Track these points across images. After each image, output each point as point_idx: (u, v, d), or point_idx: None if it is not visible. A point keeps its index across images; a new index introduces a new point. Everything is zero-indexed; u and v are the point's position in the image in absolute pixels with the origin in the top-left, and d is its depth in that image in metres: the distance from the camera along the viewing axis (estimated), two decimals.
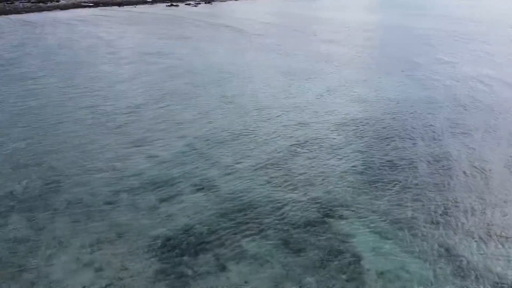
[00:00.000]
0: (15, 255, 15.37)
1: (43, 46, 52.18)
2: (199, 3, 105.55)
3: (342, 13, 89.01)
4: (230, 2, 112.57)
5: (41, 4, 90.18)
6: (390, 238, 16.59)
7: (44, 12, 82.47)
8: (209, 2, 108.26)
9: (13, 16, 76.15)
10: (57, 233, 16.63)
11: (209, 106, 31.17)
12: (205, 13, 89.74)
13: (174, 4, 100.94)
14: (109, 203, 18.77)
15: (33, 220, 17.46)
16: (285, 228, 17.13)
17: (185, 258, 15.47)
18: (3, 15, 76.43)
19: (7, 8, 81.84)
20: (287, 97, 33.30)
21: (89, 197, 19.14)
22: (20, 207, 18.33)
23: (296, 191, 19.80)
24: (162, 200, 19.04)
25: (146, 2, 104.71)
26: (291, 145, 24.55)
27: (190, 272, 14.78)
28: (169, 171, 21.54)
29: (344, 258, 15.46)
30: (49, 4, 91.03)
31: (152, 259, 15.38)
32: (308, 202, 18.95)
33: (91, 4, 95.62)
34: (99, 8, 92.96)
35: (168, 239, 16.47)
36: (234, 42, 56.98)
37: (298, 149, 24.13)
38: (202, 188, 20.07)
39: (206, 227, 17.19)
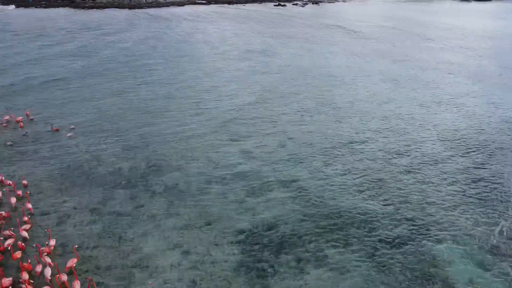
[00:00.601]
0: (116, 227, 16.95)
1: (162, 39, 56.59)
2: (307, 3, 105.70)
3: (461, 19, 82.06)
4: (338, 3, 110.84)
5: (160, 0, 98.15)
6: (489, 269, 14.92)
7: (163, 7, 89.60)
8: (316, 3, 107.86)
9: (138, 10, 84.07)
10: (153, 212, 17.97)
11: (308, 108, 31.02)
12: (312, 13, 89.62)
13: (282, 4, 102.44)
14: (201, 191, 19.73)
15: (135, 197, 19.08)
16: (372, 241, 16.36)
17: (266, 254, 15.63)
18: (129, 9, 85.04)
19: (132, 3, 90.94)
20: (390, 106, 31.74)
21: (184, 183, 20.32)
22: (125, 184, 20.16)
23: (389, 205, 18.79)
24: (251, 195, 19.46)
25: (255, 1, 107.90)
26: (389, 157, 23.36)
27: (269, 269, 14.90)
28: (261, 168, 21.93)
29: (434, 284, 14.29)
30: (167, 0, 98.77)
31: (235, 250, 15.81)
32: (401, 218, 17.87)
33: (204, 1, 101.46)
34: (211, 5, 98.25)
35: (252, 233, 16.79)
36: (343, 44, 55.94)
37: (396, 161, 22.87)
38: (291, 189, 20.07)
39: (290, 228, 17.16)
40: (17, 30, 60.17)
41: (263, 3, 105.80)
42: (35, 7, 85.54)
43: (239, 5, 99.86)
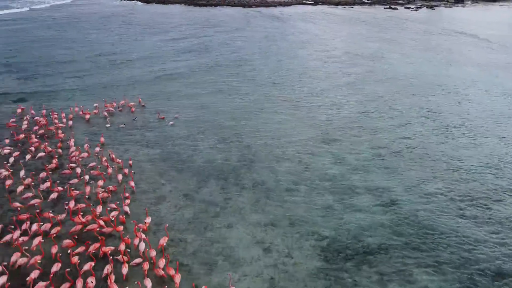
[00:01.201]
0: (205, 215, 17.76)
1: (271, 38, 57.88)
2: (420, 7, 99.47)
3: None
4: (456, 8, 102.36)
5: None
6: None
7: (271, 7, 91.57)
8: (431, 7, 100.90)
9: (249, 9, 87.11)
10: (240, 206, 18.46)
11: (408, 118, 29.27)
12: (427, 18, 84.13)
13: (393, 7, 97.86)
14: (289, 191, 19.74)
15: (225, 189, 19.79)
16: (469, 271, 14.83)
17: (348, 264, 15.09)
18: (242, 7, 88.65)
19: (242, 1, 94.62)
20: (506, 124, 28.49)
21: (273, 182, 20.52)
22: (217, 175, 21.02)
23: (494, 234, 16.89)
24: (339, 202, 18.96)
25: (364, 3, 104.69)
26: (502, 183, 20.98)
27: (349, 280, 14.37)
28: (352, 176, 21.25)
29: None
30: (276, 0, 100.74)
31: (316, 255, 15.54)
32: (508, 251, 15.93)
33: (311, 2, 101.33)
34: (319, 5, 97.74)
35: (336, 240, 16.35)
36: (461, 52, 51.67)
37: (510, 186, 20.47)
38: (382, 201, 19.12)
39: (377, 241, 16.35)
40: (141, 23, 66.07)
41: (373, 6, 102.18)
42: (156, 3, 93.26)
43: (347, 7, 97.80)
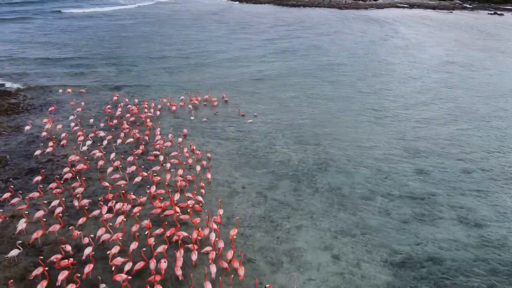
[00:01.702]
0: (276, 214, 17.78)
1: (359, 41, 56.50)
2: None
3: None
4: None
5: (360, 1, 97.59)
6: None
7: (361, 9, 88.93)
8: None
9: (340, 11, 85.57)
10: (312, 209, 18.19)
11: (508, 137, 26.56)
12: None
13: (499, 12, 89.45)
14: (364, 200, 19.01)
15: (298, 190, 19.65)
16: None
17: (421, 286, 14.13)
18: (330, 8, 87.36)
19: (331, 3, 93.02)
20: None
21: (348, 188, 19.93)
22: (292, 175, 20.93)
23: None
24: (417, 218, 17.84)
25: (465, 8, 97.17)
26: None
27: None
28: (435, 192, 19.87)
29: None
30: (367, 2, 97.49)
31: (387, 270, 14.78)
32: None
33: (405, 5, 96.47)
34: (414, 9, 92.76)
35: (410, 258, 15.40)
36: None
37: None
38: (466, 222, 17.60)
39: (456, 264, 15.10)
40: (231, 22, 68.13)
41: (475, 11, 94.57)
42: (246, 2, 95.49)
43: (445, 11, 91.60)
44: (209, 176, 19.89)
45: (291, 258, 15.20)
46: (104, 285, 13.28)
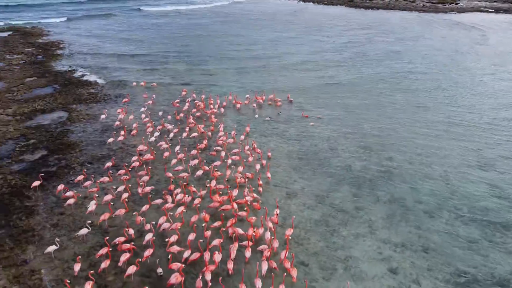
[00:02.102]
0: (333, 219, 17.37)
1: (434, 45, 53.62)
2: None
3: None
4: None
5: (439, 5, 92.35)
6: None
7: (440, 13, 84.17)
8: None
9: (411, 13, 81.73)
10: (371, 218, 17.55)
11: None
12: None
13: None
14: (429, 214, 17.98)
15: (358, 197, 19.06)
16: None
17: None
18: (402, 10, 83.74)
19: (407, 6, 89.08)
20: None
21: (412, 200, 18.96)
22: (352, 181, 20.35)
23: None
24: (487, 238, 16.52)
25: None
26: None
27: None
28: (510, 211, 18.29)
29: None
30: (447, 5, 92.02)
31: None
32: None
33: (490, 10, 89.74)
34: (499, 14, 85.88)
35: (476, 281, 14.30)
36: None
37: None
38: None
39: None
40: (302, 24, 67.90)
41: None
42: (318, 3, 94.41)
43: None
44: (268, 175, 19.94)
45: (345, 266, 14.79)
46: (161, 270, 13.85)
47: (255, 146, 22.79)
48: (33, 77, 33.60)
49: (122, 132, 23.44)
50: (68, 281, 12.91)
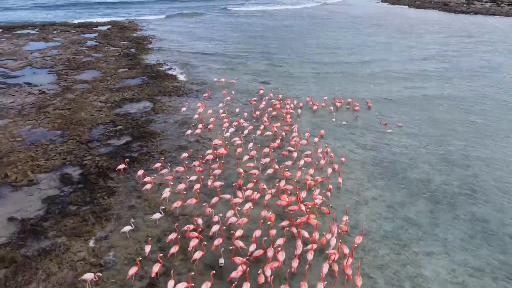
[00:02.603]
0: (405, 234, 16.45)
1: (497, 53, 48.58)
2: None
3: None
4: None
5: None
6: None
7: (501, 16, 75.76)
8: None
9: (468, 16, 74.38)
10: (448, 237, 16.30)
11: None
12: None
13: None
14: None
15: (434, 213, 17.82)
16: None
17: None
18: (506, 17, 76.38)
19: (508, 10, 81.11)
20: None
21: (496, 222, 17.29)
22: (429, 196, 19.06)
23: None
24: None
25: None
26: None
27: None
28: None
29: None
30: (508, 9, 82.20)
31: None
32: None
33: None
34: None
35: None
36: None
37: None
38: None
39: None
40: (391, 28, 65.28)
41: None
42: (409, 7, 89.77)
43: None
44: (340, 180, 19.45)
45: (414, 284, 13.92)
46: (222, 261, 14.16)
47: (328, 150, 22.32)
48: (125, 68, 36.28)
49: (200, 126, 24.36)
50: (140, 259, 13.72)
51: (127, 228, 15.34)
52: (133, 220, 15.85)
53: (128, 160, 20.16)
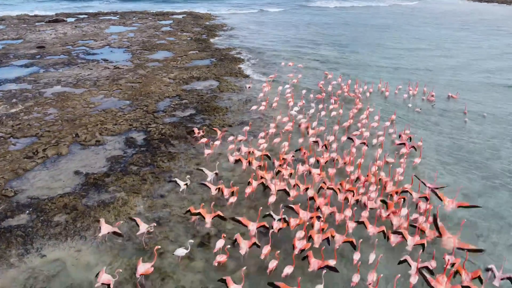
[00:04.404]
0: (483, 222, 14.60)
1: None
2: None
3: None
4: None
5: None
6: None
7: None
8: None
9: None
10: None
11: None
12: None
13: None
14: None
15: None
16: None
17: None
18: None
19: None
20: None
21: None
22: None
23: None
24: None
25: None
26: None
27: None
28: None
29: None
30: None
31: None
32: None
33: None
34: None
35: None
36: None
37: None
38: None
39: None
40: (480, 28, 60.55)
41: None
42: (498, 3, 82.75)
43: None
44: (417, 160, 18.06)
45: (489, 275, 12.15)
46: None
47: (405, 133, 20.41)
48: (195, 51, 36.94)
49: (264, 103, 23.84)
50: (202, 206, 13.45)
51: (181, 184, 15.22)
52: (189, 176, 15.85)
53: (205, 128, 20.57)
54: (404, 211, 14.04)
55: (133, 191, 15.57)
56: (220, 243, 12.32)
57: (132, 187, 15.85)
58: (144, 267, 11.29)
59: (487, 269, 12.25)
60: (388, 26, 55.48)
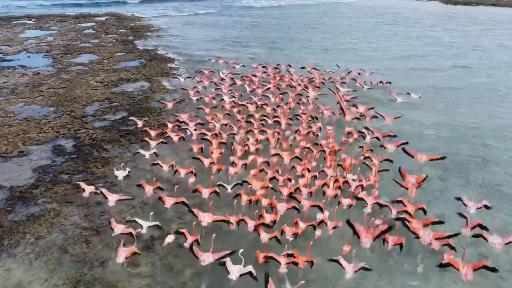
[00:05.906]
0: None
1: None
2: None
3: None
4: None
5: None
6: None
7: None
8: None
9: None
10: None
11: None
12: None
13: None
14: None
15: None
16: None
17: None
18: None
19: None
20: None
21: None
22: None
23: None
24: None
25: None
26: None
27: None
28: None
29: None
30: None
31: None
32: None
33: None
34: None
35: None
36: None
37: None
38: None
39: None
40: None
41: None
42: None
43: None
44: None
45: None
46: None
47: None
48: (122, 53, 35.53)
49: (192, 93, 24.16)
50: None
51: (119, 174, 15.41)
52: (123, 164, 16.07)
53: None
54: None
55: (65, 201, 14.62)
56: (169, 238, 12.08)
57: (64, 196, 14.88)
58: None
59: (457, 198, 13.11)
60: (316, 24, 57.08)
